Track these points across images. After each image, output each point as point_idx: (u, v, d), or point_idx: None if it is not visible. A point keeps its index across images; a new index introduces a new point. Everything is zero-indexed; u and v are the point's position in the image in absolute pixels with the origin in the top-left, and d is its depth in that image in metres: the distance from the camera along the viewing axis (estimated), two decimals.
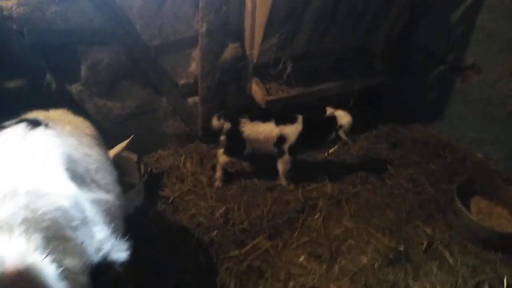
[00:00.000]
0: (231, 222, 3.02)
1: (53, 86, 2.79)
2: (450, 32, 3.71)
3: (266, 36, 3.12)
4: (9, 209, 1.23)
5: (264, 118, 3.15)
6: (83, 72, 2.92)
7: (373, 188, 3.38)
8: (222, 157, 3.26)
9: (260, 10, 3.02)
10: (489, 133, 3.62)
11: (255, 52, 3.23)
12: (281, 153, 3.24)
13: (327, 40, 3.50)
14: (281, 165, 3.29)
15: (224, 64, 3.27)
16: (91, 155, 1.90)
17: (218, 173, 3.31)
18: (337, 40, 3.58)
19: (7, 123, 1.79)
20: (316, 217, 3.09)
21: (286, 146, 3.18)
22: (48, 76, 2.76)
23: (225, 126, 3.19)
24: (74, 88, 2.96)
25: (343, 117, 3.17)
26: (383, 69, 3.91)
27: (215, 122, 3.23)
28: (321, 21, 3.26)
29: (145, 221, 3.01)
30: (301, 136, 3.15)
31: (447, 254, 2.80)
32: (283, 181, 3.35)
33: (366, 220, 3.07)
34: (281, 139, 3.15)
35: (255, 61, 3.29)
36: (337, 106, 3.28)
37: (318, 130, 3.25)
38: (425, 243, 2.87)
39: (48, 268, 1.13)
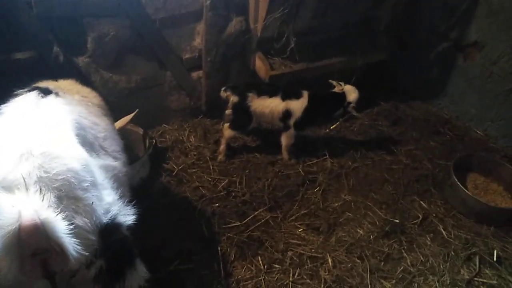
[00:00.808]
0: (233, 194, 3.13)
1: (61, 58, 2.83)
2: (453, 8, 3.70)
3: (270, 10, 3.12)
4: (25, 168, 1.32)
5: (271, 93, 3.21)
6: (90, 44, 2.96)
7: (373, 163, 3.46)
8: (227, 131, 3.34)
9: None
10: (490, 111, 3.66)
11: (259, 26, 3.24)
12: (286, 128, 3.31)
13: (331, 15, 3.49)
14: (285, 139, 3.36)
15: (228, 38, 3.29)
16: (99, 124, 1.99)
17: (222, 147, 3.39)
18: (340, 15, 3.57)
19: (19, 91, 1.87)
20: (315, 190, 3.18)
21: (291, 121, 3.25)
22: (56, 48, 2.80)
23: (231, 99, 3.24)
24: (81, 60, 3.00)
25: (352, 93, 3.24)
26: (386, 45, 3.91)
27: (222, 93, 3.30)
28: None
29: (150, 192, 3.12)
30: (307, 111, 3.22)
31: (441, 227, 2.91)
32: (285, 155, 3.43)
33: (364, 194, 3.17)
34: (287, 113, 3.22)
35: (259, 35, 3.30)
36: (340, 81, 3.34)
37: (325, 105, 3.32)
38: (420, 217, 2.97)
39: (60, 224, 1.22)
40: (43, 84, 2.08)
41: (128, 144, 3.35)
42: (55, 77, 2.76)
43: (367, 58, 3.74)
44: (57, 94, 1.93)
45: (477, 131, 3.77)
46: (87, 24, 2.88)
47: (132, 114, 2.99)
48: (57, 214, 1.22)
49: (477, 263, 2.68)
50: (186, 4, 3.13)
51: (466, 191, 2.94)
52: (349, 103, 3.24)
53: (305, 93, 3.24)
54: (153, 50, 3.25)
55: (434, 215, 2.99)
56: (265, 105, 3.21)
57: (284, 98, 3.21)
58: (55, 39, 2.82)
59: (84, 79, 3.03)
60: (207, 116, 3.82)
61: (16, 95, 1.83)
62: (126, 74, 3.26)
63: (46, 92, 1.86)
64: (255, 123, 3.35)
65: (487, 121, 3.70)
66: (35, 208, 1.17)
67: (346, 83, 3.34)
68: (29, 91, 1.86)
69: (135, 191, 3.04)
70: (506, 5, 3.29)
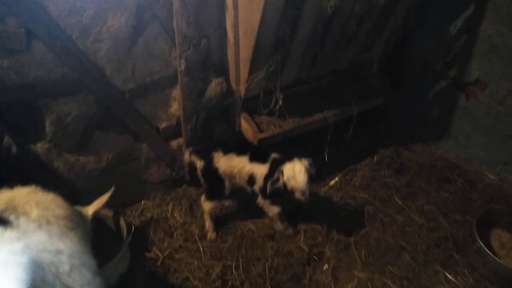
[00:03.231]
0: (229, 283, 2.68)
1: (13, 149, 2.40)
2: (449, 44, 3.44)
3: (252, 69, 2.78)
4: None
5: (239, 151, 2.70)
6: (48, 128, 2.54)
7: (383, 226, 3.07)
8: (205, 204, 2.90)
9: (244, 42, 2.68)
10: (501, 153, 3.35)
11: (242, 87, 2.89)
12: (257, 195, 2.80)
13: (319, 65, 3.17)
14: (265, 208, 2.86)
15: (208, 102, 2.93)
16: (63, 251, 1.58)
17: (208, 223, 2.97)
18: (330, 64, 3.26)
19: None
20: (324, 268, 2.77)
21: (256, 188, 2.74)
22: (7, 139, 2.38)
23: (198, 165, 2.79)
24: (40, 147, 2.57)
25: (290, 169, 2.50)
26: (380, 89, 3.61)
27: (186, 158, 2.89)
28: (311, 47, 2.94)
29: None
30: (266, 180, 2.61)
31: None
32: (277, 226, 2.99)
33: (380, 268, 2.76)
34: (251, 178, 2.71)
35: (242, 96, 2.95)
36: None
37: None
38: None
39: None
40: None
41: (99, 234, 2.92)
42: (7, 172, 2.35)
43: (363, 105, 3.41)
44: (6, 223, 1.52)
45: (490, 176, 3.45)
46: (44, 106, 2.47)
47: (107, 194, 2.53)
48: None
49: None
50: (158, 70, 2.76)
51: (497, 258, 2.56)
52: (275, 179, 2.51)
53: (271, 157, 2.65)
54: (124, 123, 2.85)
55: None
56: (233, 165, 2.69)
57: (251, 159, 2.67)
58: (5, 128, 2.39)
59: (44, 168, 2.62)
60: (192, 185, 3.40)
61: None
62: (95, 153, 2.83)
63: None
64: (229, 187, 2.81)
65: (499, 165, 3.38)
66: None
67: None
68: None
69: None
70: (509, 41, 3.03)
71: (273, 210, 2.85)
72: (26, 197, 1.80)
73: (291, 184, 2.46)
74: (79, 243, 1.78)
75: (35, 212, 1.71)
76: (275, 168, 2.55)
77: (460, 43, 3.35)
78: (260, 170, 2.66)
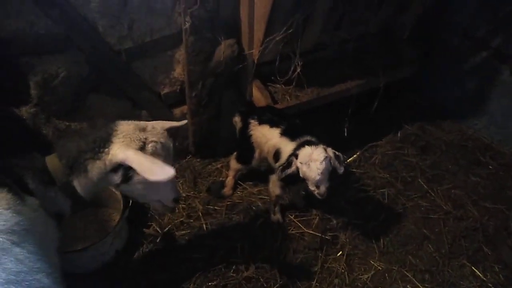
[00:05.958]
0: (234, 267, 2.46)
1: None
2: (496, 9, 2.98)
3: (269, 30, 2.42)
4: None
5: (274, 123, 2.46)
6: (33, 90, 2.24)
7: (404, 211, 2.80)
8: (233, 163, 2.79)
9: None
10: None
11: (256, 50, 2.53)
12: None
13: (345, 28, 2.78)
14: (270, 183, 2.56)
15: (217, 67, 2.58)
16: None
17: (229, 179, 2.87)
18: (357, 27, 2.85)
19: None
20: (338, 255, 2.53)
21: (277, 165, 2.39)
22: None
23: (238, 125, 2.70)
24: (25, 111, 2.29)
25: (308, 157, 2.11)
26: (411, 57, 3.21)
27: (234, 120, 2.75)
28: (338, 6, 2.53)
29: (128, 268, 2.46)
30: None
31: None
32: (271, 208, 2.71)
33: (399, 259, 2.51)
34: (277, 154, 2.41)
35: (256, 61, 2.59)
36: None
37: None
38: None
39: None
40: None
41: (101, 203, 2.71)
42: None
43: (391, 76, 3.03)
44: None
45: None
46: (27, 65, 2.16)
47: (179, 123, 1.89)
48: None
49: None
50: (159, 27, 2.40)
51: None
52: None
53: (303, 138, 2.29)
54: (121, 87, 2.54)
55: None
56: (264, 136, 2.47)
57: (282, 134, 2.39)
58: None
59: (32, 135, 2.35)
60: (197, 157, 3.13)
61: None
62: (89, 119, 2.55)
63: None
64: (259, 158, 2.62)
65: None
66: None
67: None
68: None
69: (108, 268, 2.43)
70: None
71: (275, 189, 2.56)
72: None
73: (303, 171, 2.10)
74: (27, 265, 1.34)
75: None
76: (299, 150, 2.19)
77: (509, 8, 2.89)
78: (287, 147, 2.34)
